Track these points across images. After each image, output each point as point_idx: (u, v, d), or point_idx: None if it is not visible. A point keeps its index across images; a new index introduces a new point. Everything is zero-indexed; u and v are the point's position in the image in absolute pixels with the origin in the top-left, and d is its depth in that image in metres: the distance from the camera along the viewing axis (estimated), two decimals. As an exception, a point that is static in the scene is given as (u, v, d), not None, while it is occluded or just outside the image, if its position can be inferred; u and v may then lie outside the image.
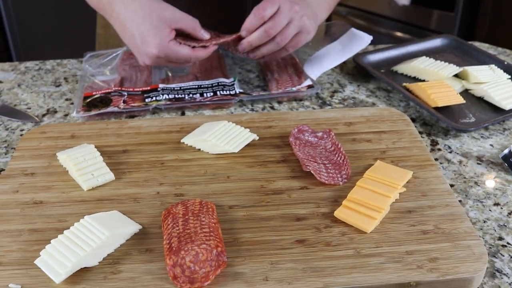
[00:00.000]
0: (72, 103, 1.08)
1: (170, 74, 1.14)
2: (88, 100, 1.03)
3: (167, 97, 1.04)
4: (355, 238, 0.73)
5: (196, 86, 1.08)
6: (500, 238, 0.76)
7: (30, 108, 1.07)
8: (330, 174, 0.83)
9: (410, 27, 2.96)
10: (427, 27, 2.86)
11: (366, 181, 0.81)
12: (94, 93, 1.04)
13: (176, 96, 1.05)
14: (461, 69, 1.10)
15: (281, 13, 0.99)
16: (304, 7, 1.03)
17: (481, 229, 0.78)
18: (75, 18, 2.89)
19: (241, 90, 1.07)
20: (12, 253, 0.72)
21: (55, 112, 1.05)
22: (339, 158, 0.86)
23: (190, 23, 1.01)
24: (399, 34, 3.01)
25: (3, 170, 0.90)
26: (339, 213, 0.76)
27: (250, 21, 1.00)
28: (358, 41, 1.12)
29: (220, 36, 1.04)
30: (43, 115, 1.04)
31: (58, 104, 1.08)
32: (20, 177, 0.85)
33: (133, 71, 1.13)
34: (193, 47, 0.99)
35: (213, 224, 0.73)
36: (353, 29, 1.15)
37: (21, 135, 0.98)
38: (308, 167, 0.83)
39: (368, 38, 1.12)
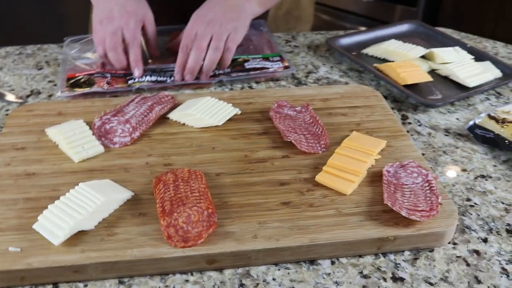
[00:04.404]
0: (55, 85, 1.10)
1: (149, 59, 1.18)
2: (72, 81, 1.06)
3: (149, 78, 1.08)
4: (336, 199, 0.78)
5: None
6: (468, 199, 0.83)
7: (13, 90, 1.09)
8: (310, 144, 0.88)
9: (374, 22, 3.04)
10: (391, 22, 2.94)
11: (344, 149, 0.86)
12: (77, 74, 1.07)
13: (158, 78, 1.09)
14: (427, 50, 1.17)
15: (200, 34, 1.08)
16: (219, 16, 1.09)
17: (451, 191, 0.84)
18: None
19: (221, 72, 1.11)
20: (9, 220, 0.75)
21: (39, 93, 1.08)
22: (317, 130, 0.91)
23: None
24: (363, 29, 3.08)
25: (-8, 146, 0.92)
26: (320, 177, 0.81)
27: (179, 60, 1.09)
28: None
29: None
30: (27, 96, 1.07)
31: (42, 85, 1.10)
32: (11, 151, 0.88)
33: (114, 54, 1.16)
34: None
35: (203, 189, 0.77)
36: None
37: (7, 115, 1.00)
38: (289, 137, 0.88)
39: None
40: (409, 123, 1.00)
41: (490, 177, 0.87)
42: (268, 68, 1.13)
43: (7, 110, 1.02)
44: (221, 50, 1.09)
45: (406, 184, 0.80)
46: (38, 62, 1.19)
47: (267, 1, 1.20)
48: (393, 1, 2.91)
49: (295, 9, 1.45)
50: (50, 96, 1.07)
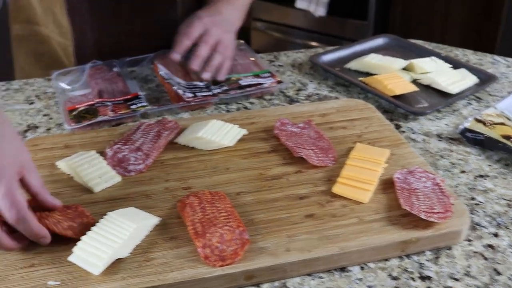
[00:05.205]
0: (51, 118, 1.11)
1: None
2: (74, 113, 1.07)
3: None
4: (355, 208, 0.82)
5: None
6: (473, 198, 0.89)
7: (9, 126, 1.08)
8: (319, 158, 0.92)
9: (326, 37, 3.12)
10: (343, 36, 3.04)
11: (353, 160, 0.90)
12: (77, 106, 1.08)
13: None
14: (408, 62, 1.24)
15: (208, 32, 1.17)
16: (223, 24, 1.20)
17: (456, 192, 0.90)
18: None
19: (219, 90, 1.15)
20: (42, 255, 0.75)
21: (36, 127, 1.08)
22: (324, 144, 0.95)
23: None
24: (314, 43, 3.16)
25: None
26: (336, 189, 0.85)
27: (181, 43, 1.16)
28: None
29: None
30: (25, 131, 1.07)
31: (37, 120, 1.11)
32: (26, 187, 0.88)
33: (107, 84, 1.17)
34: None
35: (229, 208, 0.80)
36: None
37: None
38: (299, 153, 0.92)
39: None
40: (403, 131, 1.06)
41: (488, 176, 0.93)
42: (262, 84, 1.17)
43: (8, 147, 1.02)
44: (223, 55, 1.17)
45: (418, 189, 0.85)
46: (28, 96, 1.19)
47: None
48: (344, 16, 3.01)
49: None
50: (48, 129, 1.07)
